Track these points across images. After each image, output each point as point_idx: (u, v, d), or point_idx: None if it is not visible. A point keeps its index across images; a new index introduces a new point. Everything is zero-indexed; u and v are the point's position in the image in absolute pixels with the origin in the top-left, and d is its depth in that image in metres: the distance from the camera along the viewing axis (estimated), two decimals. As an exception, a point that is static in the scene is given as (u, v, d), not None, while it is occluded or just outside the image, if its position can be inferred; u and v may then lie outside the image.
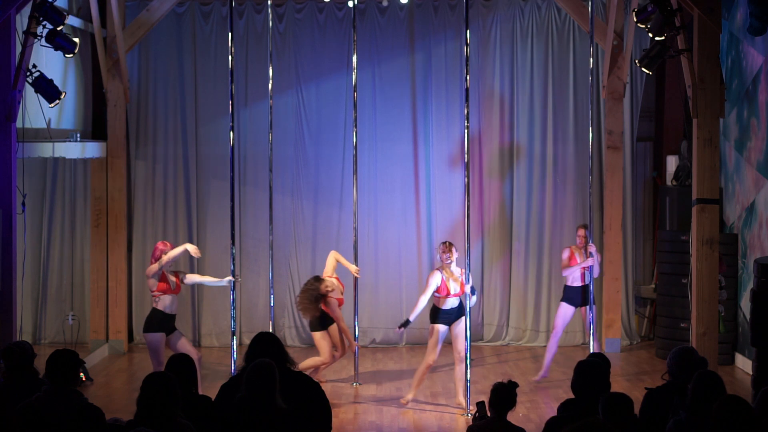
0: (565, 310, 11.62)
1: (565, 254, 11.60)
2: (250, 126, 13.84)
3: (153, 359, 10.25)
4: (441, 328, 10.41)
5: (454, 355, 10.51)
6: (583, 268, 11.45)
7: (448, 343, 13.82)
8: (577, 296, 11.55)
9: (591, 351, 10.41)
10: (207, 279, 10.88)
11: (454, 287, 10.35)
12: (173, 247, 10.39)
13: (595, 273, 11.62)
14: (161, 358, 10.09)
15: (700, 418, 5.81)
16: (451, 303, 10.39)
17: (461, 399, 10.41)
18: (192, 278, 10.58)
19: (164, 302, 10.22)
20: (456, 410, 10.45)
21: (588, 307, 11.47)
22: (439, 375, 12.21)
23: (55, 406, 6.23)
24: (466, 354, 10.30)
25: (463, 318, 10.36)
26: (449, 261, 10.37)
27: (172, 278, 10.27)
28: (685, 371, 6.68)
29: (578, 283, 11.54)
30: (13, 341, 8.37)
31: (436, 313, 10.46)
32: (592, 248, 11.36)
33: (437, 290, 10.35)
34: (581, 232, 11.59)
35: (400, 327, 10.60)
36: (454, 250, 10.42)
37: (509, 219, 13.92)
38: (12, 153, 10.03)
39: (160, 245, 10.36)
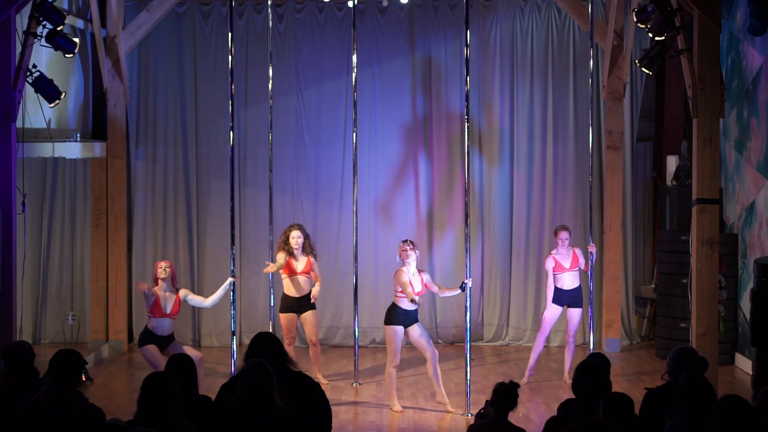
0: (553, 311, 11.47)
1: (549, 264, 11.45)
2: (250, 126, 13.84)
3: (153, 368, 10.29)
4: (398, 329, 10.30)
5: (426, 356, 10.39)
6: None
7: (450, 342, 13.89)
8: (566, 297, 11.44)
9: (591, 350, 10.42)
10: (209, 301, 10.64)
11: (417, 285, 10.28)
12: (172, 267, 10.48)
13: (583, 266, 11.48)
14: (159, 367, 10.11)
15: (697, 420, 5.81)
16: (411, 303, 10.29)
17: (442, 398, 10.42)
18: (194, 300, 10.53)
19: (153, 323, 10.31)
20: (456, 410, 10.45)
21: (576, 309, 11.39)
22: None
23: (55, 406, 6.23)
24: (466, 355, 10.28)
25: (418, 323, 10.32)
26: (408, 260, 10.28)
27: (170, 302, 10.30)
28: (685, 371, 6.68)
29: (569, 287, 11.43)
30: (14, 341, 8.37)
31: (392, 313, 10.34)
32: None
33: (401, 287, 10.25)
34: (564, 234, 11.41)
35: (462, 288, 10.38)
36: (409, 248, 10.29)
37: (509, 219, 13.91)
38: (12, 153, 10.03)
39: (158, 265, 10.43)
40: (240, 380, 5.93)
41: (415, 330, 10.35)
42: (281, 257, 11.28)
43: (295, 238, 11.28)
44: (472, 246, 12.89)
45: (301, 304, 11.33)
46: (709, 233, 10.49)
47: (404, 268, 10.30)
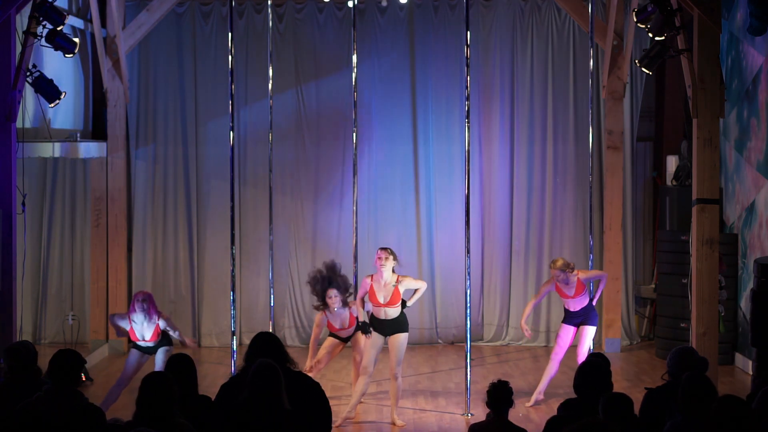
0: (565, 331, 10.87)
1: (547, 287, 10.86)
2: (250, 126, 13.85)
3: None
4: (375, 337, 9.96)
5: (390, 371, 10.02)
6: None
7: (450, 342, 13.88)
8: (575, 318, 10.83)
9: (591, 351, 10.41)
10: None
11: (383, 297, 9.88)
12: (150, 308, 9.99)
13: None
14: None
15: (695, 420, 5.81)
16: (384, 314, 9.88)
17: (394, 416, 9.98)
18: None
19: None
20: (456, 410, 10.46)
21: (589, 327, 10.75)
22: (439, 375, 12.21)
23: (55, 406, 6.23)
24: (466, 355, 10.26)
25: (403, 334, 9.88)
26: (382, 267, 9.86)
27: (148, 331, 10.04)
28: (685, 371, 6.68)
29: (576, 308, 10.81)
30: (17, 341, 8.37)
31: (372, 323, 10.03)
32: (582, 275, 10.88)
33: (369, 298, 9.92)
34: (555, 273, 10.64)
35: (366, 334, 9.97)
36: (384, 256, 9.85)
37: (509, 219, 13.91)
38: (12, 153, 10.03)
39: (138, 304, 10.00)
40: (248, 380, 5.92)
41: (397, 339, 9.94)
42: (319, 322, 10.37)
43: (332, 297, 10.18)
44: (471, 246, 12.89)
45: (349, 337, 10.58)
46: (709, 233, 10.50)
47: (375, 276, 9.95)
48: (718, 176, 10.64)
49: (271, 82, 12.48)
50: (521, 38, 13.87)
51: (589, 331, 10.79)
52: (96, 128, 13.59)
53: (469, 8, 10.52)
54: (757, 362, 9.62)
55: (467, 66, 10.49)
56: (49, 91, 10.48)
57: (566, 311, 10.95)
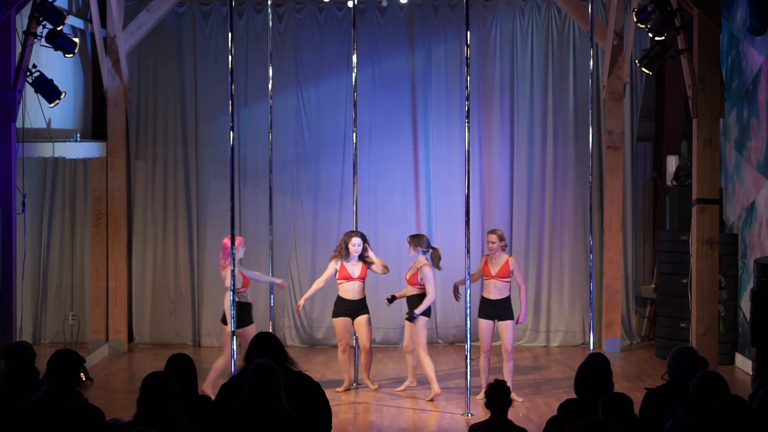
0: (486, 326, 10.87)
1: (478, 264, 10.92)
2: (250, 126, 13.85)
3: None
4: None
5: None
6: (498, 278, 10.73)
7: (450, 342, 13.88)
8: (494, 310, 10.83)
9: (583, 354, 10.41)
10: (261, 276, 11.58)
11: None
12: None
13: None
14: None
15: (698, 419, 5.81)
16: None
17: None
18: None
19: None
20: (456, 410, 10.46)
21: (506, 322, 10.74)
22: (439, 375, 12.18)
23: (55, 407, 6.23)
24: (466, 355, 10.28)
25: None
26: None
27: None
28: (685, 371, 6.68)
29: (494, 297, 10.82)
30: (14, 342, 8.37)
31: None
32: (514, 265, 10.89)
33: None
34: (492, 237, 10.81)
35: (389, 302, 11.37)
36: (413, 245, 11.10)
37: (509, 219, 13.91)
38: (12, 153, 10.04)
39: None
40: (247, 380, 5.92)
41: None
42: (331, 266, 11.28)
43: (355, 245, 11.12)
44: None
45: (355, 308, 11.18)
46: (709, 233, 10.51)
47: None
48: (718, 176, 10.66)
49: (270, 82, 12.47)
50: (521, 38, 13.87)
51: (509, 326, 10.79)
52: (96, 128, 13.59)
53: (469, 8, 10.52)
54: (757, 362, 9.63)
55: (467, 66, 10.49)
56: (49, 91, 10.49)
57: (483, 300, 10.87)
